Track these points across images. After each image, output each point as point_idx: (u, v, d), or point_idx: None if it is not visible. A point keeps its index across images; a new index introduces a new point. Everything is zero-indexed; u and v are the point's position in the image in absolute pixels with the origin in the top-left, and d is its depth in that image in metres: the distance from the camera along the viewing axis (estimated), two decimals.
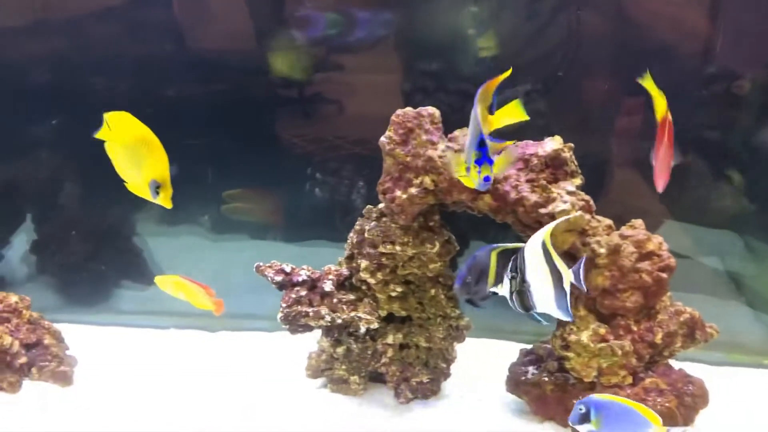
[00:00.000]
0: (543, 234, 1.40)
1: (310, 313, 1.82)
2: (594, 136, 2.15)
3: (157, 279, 1.85)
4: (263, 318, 2.25)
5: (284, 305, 1.82)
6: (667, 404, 1.71)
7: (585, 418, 1.38)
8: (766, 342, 2.17)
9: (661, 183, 1.49)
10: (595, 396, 1.42)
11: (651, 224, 1.76)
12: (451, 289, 1.91)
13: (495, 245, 1.60)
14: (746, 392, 2.02)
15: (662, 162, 1.47)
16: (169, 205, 1.40)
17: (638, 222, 1.76)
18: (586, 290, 1.54)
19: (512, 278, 1.40)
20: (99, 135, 1.38)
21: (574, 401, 1.71)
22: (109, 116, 1.37)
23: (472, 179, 1.40)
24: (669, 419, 1.71)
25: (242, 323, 2.30)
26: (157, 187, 1.37)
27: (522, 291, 1.39)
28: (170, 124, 2.14)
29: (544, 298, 1.39)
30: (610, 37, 2.05)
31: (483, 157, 1.35)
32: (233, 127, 2.27)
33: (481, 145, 1.38)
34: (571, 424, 1.40)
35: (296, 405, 1.89)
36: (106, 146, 1.38)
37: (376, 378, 2.00)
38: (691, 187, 2.14)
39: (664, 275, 1.72)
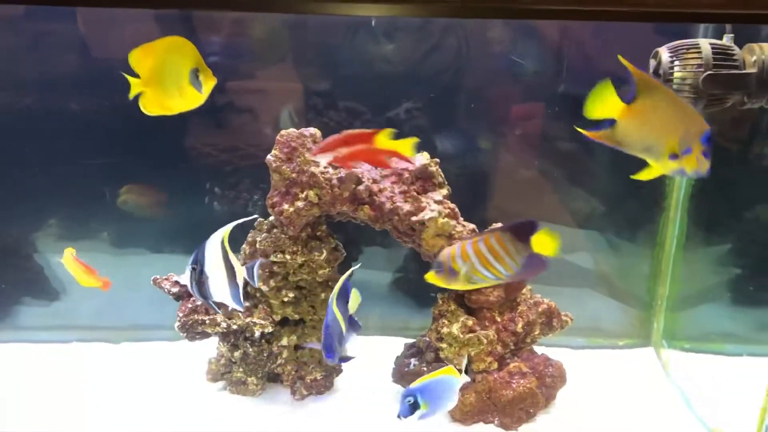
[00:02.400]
0: (222, 233, 1.52)
1: (207, 321, 1.95)
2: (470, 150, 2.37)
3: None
4: (165, 328, 2.34)
5: (181, 315, 1.95)
6: (528, 385, 1.95)
7: (415, 406, 1.51)
8: (621, 326, 2.47)
9: None
10: (412, 385, 1.53)
11: None
12: None
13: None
14: (603, 370, 2.30)
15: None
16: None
17: (498, 225, 1.99)
18: (256, 285, 1.69)
19: (193, 270, 1.50)
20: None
21: None
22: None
23: None
24: (530, 398, 1.97)
25: (145, 334, 2.39)
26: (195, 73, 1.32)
27: (201, 282, 1.51)
28: (70, 139, 2.26)
29: (220, 289, 1.53)
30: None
31: None
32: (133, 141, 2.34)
33: None
34: (403, 418, 1.52)
35: (197, 407, 2.01)
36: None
37: (274, 378, 2.15)
38: (553, 192, 2.40)
39: None
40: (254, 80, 2.25)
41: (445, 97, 2.31)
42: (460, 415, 1.95)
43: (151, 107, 1.34)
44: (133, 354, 2.33)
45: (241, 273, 1.55)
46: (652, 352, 2.40)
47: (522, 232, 1.39)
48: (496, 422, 1.96)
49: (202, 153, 2.42)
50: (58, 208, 2.40)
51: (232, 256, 1.54)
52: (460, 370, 1.64)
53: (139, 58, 1.31)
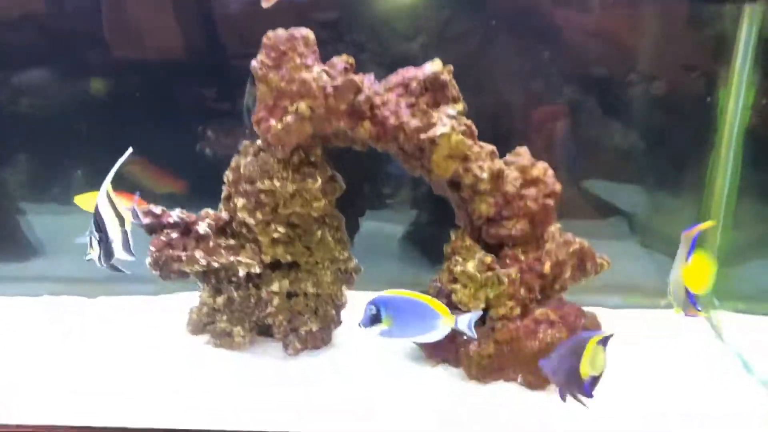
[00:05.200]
0: (106, 184, 1.41)
1: (183, 258, 1.69)
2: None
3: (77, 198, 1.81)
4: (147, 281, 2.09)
5: (153, 249, 1.69)
6: (558, 335, 1.66)
7: (376, 319, 1.37)
8: (662, 283, 2.14)
9: None
10: (385, 293, 1.38)
11: None
12: (339, 231, 1.82)
13: None
14: (643, 333, 1.99)
15: None
16: None
17: (522, 149, 1.71)
18: (142, 225, 1.58)
19: (100, 240, 1.41)
20: None
21: (465, 337, 1.67)
22: None
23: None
24: None
25: (125, 287, 2.14)
26: None
27: (107, 244, 1.42)
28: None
29: (116, 244, 1.43)
30: None
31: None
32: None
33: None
34: (362, 327, 1.39)
35: (175, 363, 1.74)
36: None
37: (264, 331, 1.89)
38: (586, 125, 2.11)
39: (550, 202, 1.68)
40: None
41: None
42: (477, 370, 1.66)
43: None
44: (110, 308, 2.08)
45: (128, 219, 1.46)
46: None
47: None
48: (519, 380, 1.67)
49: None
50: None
51: (118, 203, 1.45)
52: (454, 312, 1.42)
53: None
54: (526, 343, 1.63)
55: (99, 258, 1.43)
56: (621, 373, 1.71)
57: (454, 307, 1.71)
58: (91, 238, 1.41)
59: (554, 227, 1.75)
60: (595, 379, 1.41)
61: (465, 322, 1.41)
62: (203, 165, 2.13)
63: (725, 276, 2.03)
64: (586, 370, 1.40)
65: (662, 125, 2.04)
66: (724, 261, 2.03)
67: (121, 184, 1.87)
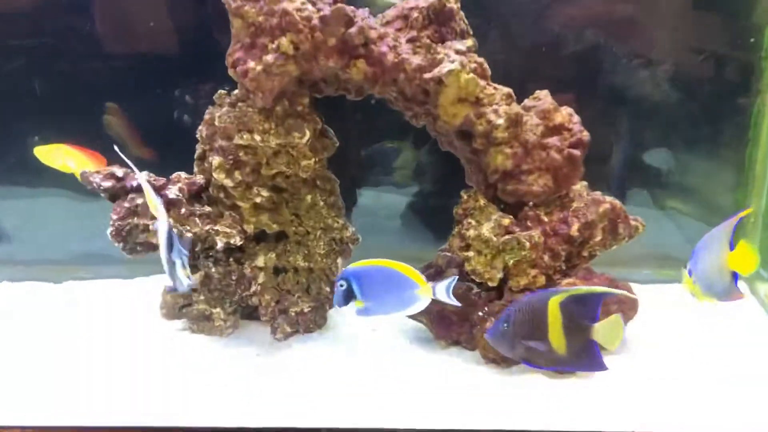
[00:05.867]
0: (160, 211, 1.30)
1: (151, 227, 1.45)
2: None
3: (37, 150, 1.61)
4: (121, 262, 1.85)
5: (115, 217, 1.45)
6: None
7: (349, 294, 1.26)
8: None
9: None
10: (353, 265, 1.26)
11: None
12: (332, 196, 1.58)
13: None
14: (680, 310, 1.74)
15: None
16: None
17: (543, 92, 1.47)
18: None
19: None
20: None
21: (480, 314, 1.43)
22: None
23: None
24: None
25: (97, 270, 1.90)
26: None
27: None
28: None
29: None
30: None
31: None
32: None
33: None
34: (337, 306, 1.29)
35: (149, 353, 1.51)
36: None
37: (248, 315, 1.65)
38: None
39: (577, 152, 1.44)
40: None
41: None
42: (494, 353, 1.41)
43: None
44: (76, 294, 1.84)
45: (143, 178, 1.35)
46: (743, 286, 1.83)
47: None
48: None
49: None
50: None
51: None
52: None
53: None
54: None
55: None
56: (650, 348, 1.48)
57: (468, 279, 1.47)
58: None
59: (580, 184, 1.51)
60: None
61: (443, 290, 1.27)
62: (181, 133, 1.87)
63: None
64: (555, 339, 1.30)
65: (698, 70, 1.78)
66: None
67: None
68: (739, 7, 1.73)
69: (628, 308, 1.52)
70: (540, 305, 1.32)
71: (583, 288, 1.36)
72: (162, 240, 1.27)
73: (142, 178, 1.36)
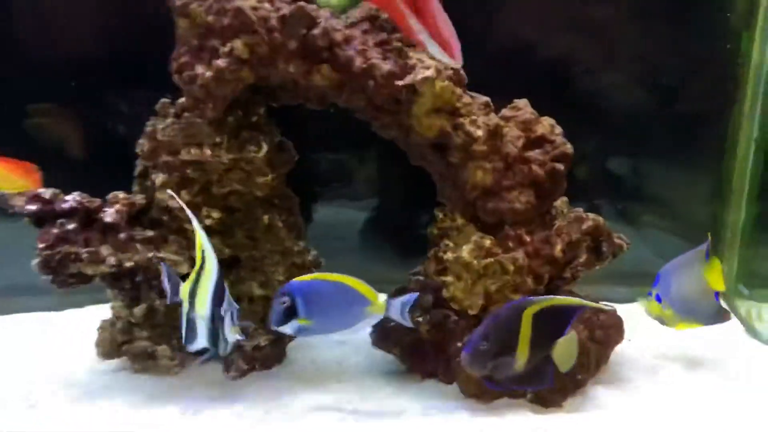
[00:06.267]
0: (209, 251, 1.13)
1: (84, 256, 1.26)
2: None
3: None
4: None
5: (42, 245, 1.26)
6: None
7: (291, 313, 1.12)
8: None
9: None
10: (298, 280, 1.14)
11: None
12: (292, 216, 1.42)
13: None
14: (657, 331, 1.64)
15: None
16: None
17: (521, 101, 1.36)
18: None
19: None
20: None
21: (459, 345, 1.29)
22: None
23: None
24: (579, 356, 1.31)
25: (20, 302, 1.69)
26: None
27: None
28: None
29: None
30: None
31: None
32: None
33: None
34: (274, 327, 1.15)
35: (83, 399, 1.32)
36: None
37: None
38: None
39: (560, 166, 1.33)
40: None
41: None
42: (475, 387, 1.28)
43: None
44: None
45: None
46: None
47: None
48: (528, 396, 1.30)
49: None
50: None
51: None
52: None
53: None
54: None
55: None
56: (636, 374, 1.39)
57: (444, 305, 1.34)
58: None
59: (560, 200, 1.40)
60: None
61: (397, 307, 1.18)
62: (117, 147, 1.68)
63: (752, 258, 1.72)
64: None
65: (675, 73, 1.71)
66: (750, 240, 1.72)
67: None
68: (716, 12, 1.66)
69: (614, 332, 1.42)
70: (514, 316, 1.15)
71: (560, 298, 1.19)
72: (208, 289, 1.11)
73: (195, 223, 1.15)
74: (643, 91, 1.71)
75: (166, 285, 1.17)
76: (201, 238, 1.13)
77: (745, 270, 1.71)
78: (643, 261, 1.83)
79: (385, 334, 1.42)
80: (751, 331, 1.64)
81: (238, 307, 1.14)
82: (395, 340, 1.40)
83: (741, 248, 1.72)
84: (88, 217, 1.32)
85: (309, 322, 1.14)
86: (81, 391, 1.34)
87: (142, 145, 1.33)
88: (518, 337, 1.17)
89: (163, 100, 1.33)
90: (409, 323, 1.20)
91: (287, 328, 1.14)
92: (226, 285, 1.13)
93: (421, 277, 1.39)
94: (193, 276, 1.14)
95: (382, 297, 1.20)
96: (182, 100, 1.31)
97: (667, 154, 1.78)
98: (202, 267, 1.12)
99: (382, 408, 1.31)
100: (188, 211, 1.16)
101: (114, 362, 1.46)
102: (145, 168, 1.35)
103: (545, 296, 1.18)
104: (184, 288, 1.14)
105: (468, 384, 1.31)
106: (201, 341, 1.13)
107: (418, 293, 1.23)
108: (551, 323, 1.18)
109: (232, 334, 1.12)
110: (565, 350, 1.20)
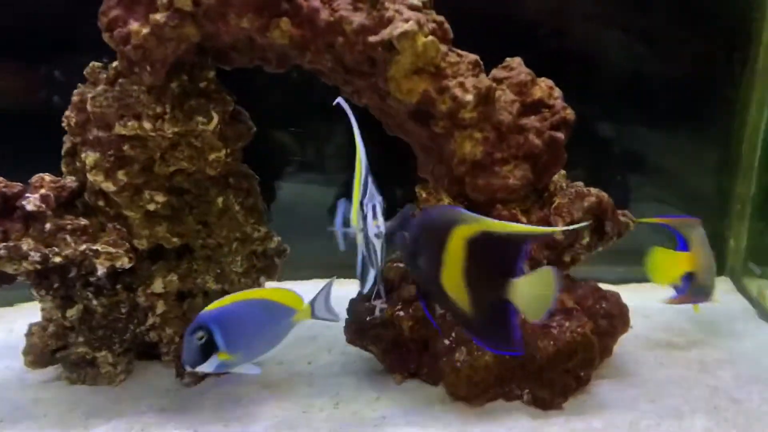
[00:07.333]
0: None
1: (2, 251, 1.05)
2: None
3: None
4: None
5: None
6: (580, 330, 1.16)
7: (210, 348, 1.00)
8: None
9: None
10: (209, 309, 1.02)
11: None
12: (250, 197, 1.23)
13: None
14: (658, 314, 1.52)
15: None
16: None
17: (515, 60, 1.18)
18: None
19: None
20: None
21: (447, 342, 1.13)
22: None
23: None
24: (583, 351, 1.16)
25: None
26: None
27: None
28: None
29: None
30: None
31: None
32: None
33: None
34: (189, 369, 1.02)
35: (10, 418, 1.15)
36: None
37: (146, 354, 1.28)
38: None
39: (560, 135, 1.17)
40: None
41: None
42: (467, 387, 1.13)
43: None
44: None
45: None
46: (728, 284, 1.61)
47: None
48: (525, 398, 1.15)
49: None
50: None
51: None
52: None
53: None
54: (537, 344, 1.10)
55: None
56: (641, 367, 1.27)
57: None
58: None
59: (558, 174, 1.23)
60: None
61: (322, 306, 1.10)
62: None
63: (764, 234, 1.57)
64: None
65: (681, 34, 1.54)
66: (763, 214, 1.56)
67: None
68: None
69: (619, 322, 1.26)
70: (440, 231, 0.97)
71: (500, 223, 0.98)
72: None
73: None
74: (644, 48, 1.54)
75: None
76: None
77: (756, 245, 1.57)
78: (637, 236, 1.68)
79: (359, 330, 1.25)
80: (764, 313, 1.49)
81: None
82: (372, 337, 1.24)
83: (751, 222, 1.57)
84: (5, 205, 1.12)
85: (232, 357, 1.01)
86: (4, 409, 1.14)
87: (69, 117, 1.13)
88: (440, 260, 0.97)
89: (93, 63, 1.11)
90: (337, 318, 1.13)
91: (206, 367, 1.00)
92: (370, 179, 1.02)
93: (401, 265, 1.22)
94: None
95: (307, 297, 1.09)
96: (116, 63, 1.10)
97: (669, 119, 1.62)
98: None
99: (359, 417, 1.14)
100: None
101: (45, 371, 1.27)
102: (73, 145, 1.15)
103: (478, 216, 0.96)
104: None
105: (457, 385, 1.15)
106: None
107: (331, 280, 1.12)
108: (495, 255, 0.96)
109: (374, 226, 0.99)
110: (529, 293, 0.96)
